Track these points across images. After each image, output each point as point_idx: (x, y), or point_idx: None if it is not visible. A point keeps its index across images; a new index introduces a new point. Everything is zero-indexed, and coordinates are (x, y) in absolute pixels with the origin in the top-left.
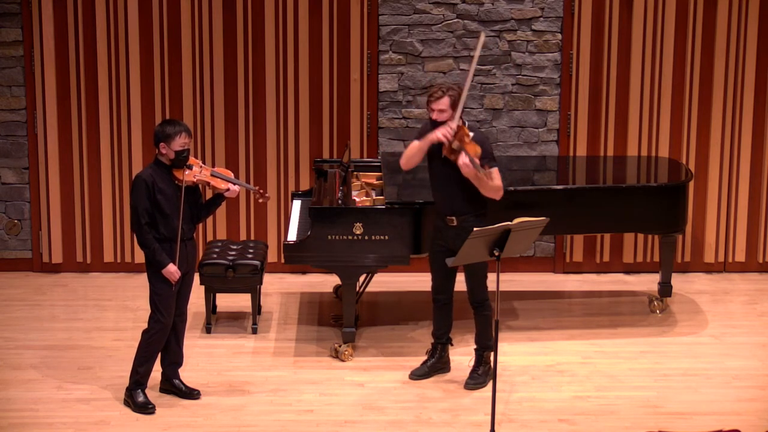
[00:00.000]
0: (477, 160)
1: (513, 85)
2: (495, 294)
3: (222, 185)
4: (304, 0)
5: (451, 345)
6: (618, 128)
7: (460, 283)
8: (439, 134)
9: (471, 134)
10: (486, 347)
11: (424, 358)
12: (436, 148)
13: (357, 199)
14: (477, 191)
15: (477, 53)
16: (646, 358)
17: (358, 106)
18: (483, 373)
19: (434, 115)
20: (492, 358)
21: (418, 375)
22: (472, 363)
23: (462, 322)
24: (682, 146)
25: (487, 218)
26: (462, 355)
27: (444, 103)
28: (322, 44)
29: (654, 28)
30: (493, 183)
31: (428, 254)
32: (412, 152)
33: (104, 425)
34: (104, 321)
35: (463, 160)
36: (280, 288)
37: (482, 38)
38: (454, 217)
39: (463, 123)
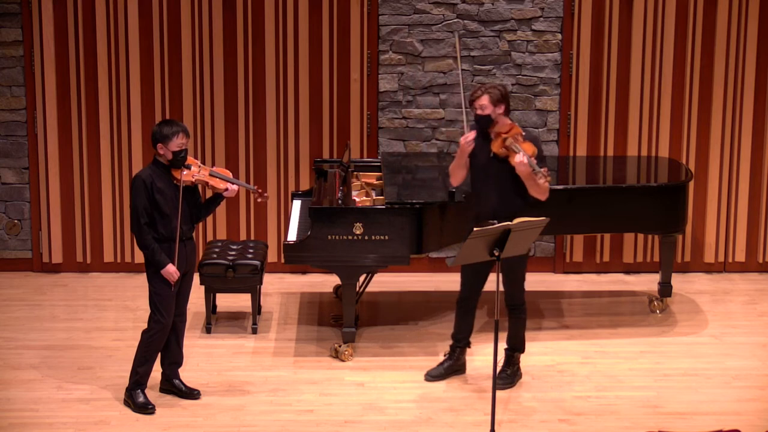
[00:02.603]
0: (534, 159)
1: (513, 85)
2: (495, 294)
3: (221, 185)
4: (304, 0)
5: (469, 347)
6: (618, 128)
7: (454, 283)
8: (463, 143)
9: (523, 133)
10: (516, 349)
11: (424, 358)
12: (480, 149)
13: (357, 199)
14: (520, 196)
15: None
16: (646, 358)
17: (358, 106)
18: (512, 374)
19: (477, 111)
20: (496, 355)
21: (434, 376)
22: (501, 364)
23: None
24: (682, 146)
25: None
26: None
27: (484, 99)
28: (322, 44)
29: (654, 28)
30: (543, 184)
31: None
32: (453, 169)
33: (104, 425)
34: (104, 321)
35: (519, 158)
36: (280, 288)
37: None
38: (495, 222)
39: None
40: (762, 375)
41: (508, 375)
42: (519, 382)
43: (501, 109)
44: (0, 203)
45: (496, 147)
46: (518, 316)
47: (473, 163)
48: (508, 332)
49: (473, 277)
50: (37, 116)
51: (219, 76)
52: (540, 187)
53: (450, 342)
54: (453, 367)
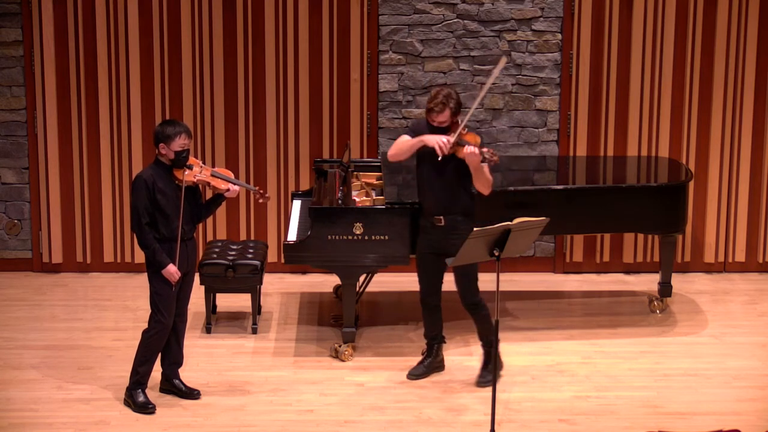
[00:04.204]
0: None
1: (513, 85)
2: (495, 294)
3: (222, 185)
4: (304, 0)
5: (444, 342)
6: (618, 128)
7: (449, 283)
8: (435, 144)
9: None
10: (491, 343)
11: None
12: (427, 152)
13: (357, 199)
14: (467, 191)
15: (495, 74)
16: (646, 358)
17: (358, 106)
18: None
19: (435, 124)
20: (496, 355)
21: (416, 375)
22: (482, 359)
23: (461, 322)
24: (682, 146)
25: (474, 218)
26: (460, 355)
27: (445, 115)
28: (322, 44)
29: (654, 28)
30: (488, 175)
31: (416, 258)
32: (403, 149)
33: (104, 425)
34: (104, 321)
35: (469, 149)
36: (280, 288)
37: (502, 63)
38: (442, 217)
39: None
40: (762, 375)
41: (489, 371)
42: (518, 382)
43: (456, 117)
44: (0, 203)
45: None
46: (479, 312)
47: (418, 164)
48: (477, 331)
49: (428, 278)
50: (37, 116)
51: (219, 76)
52: (486, 179)
53: (425, 341)
54: (433, 364)
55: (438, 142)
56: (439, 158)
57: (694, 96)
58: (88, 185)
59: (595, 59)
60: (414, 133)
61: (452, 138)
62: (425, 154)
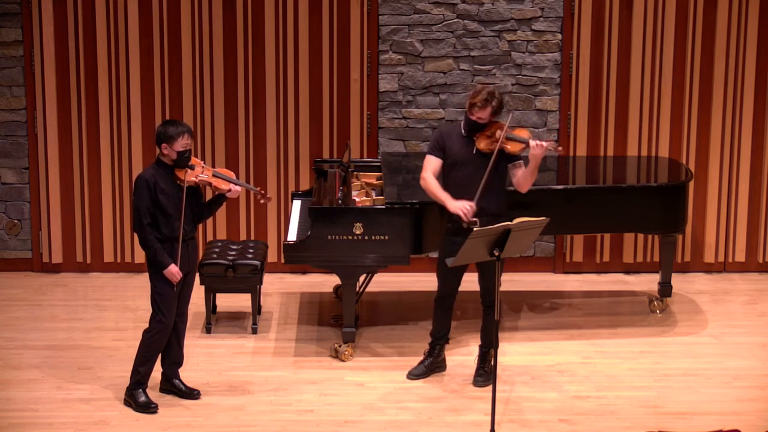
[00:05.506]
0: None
1: (513, 85)
2: (495, 294)
3: (223, 186)
4: (304, 0)
5: (448, 343)
6: (618, 128)
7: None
8: (459, 210)
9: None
10: (492, 345)
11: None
12: (460, 148)
13: (357, 199)
14: (503, 189)
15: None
16: (646, 358)
17: (358, 106)
18: (490, 370)
19: (473, 118)
20: (492, 357)
21: (416, 375)
22: (476, 361)
23: (463, 322)
24: (682, 146)
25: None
26: (462, 355)
27: (486, 112)
28: (322, 44)
29: (654, 28)
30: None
31: (440, 261)
32: (430, 192)
33: (104, 425)
34: (104, 321)
35: (534, 143)
36: (280, 288)
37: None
38: (477, 219)
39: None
40: (762, 375)
41: (486, 372)
42: (518, 382)
43: (495, 117)
44: (0, 203)
45: (483, 144)
46: (494, 313)
47: (450, 165)
48: (482, 330)
49: (451, 277)
50: (37, 116)
51: (219, 76)
52: (534, 175)
53: (429, 340)
54: (434, 363)
55: (462, 209)
56: (465, 225)
57: (694, 96)
58: (88, 185)
59: (595, 59)
60: (439, 150)
61: (472, 204)
62: (456, 157)
